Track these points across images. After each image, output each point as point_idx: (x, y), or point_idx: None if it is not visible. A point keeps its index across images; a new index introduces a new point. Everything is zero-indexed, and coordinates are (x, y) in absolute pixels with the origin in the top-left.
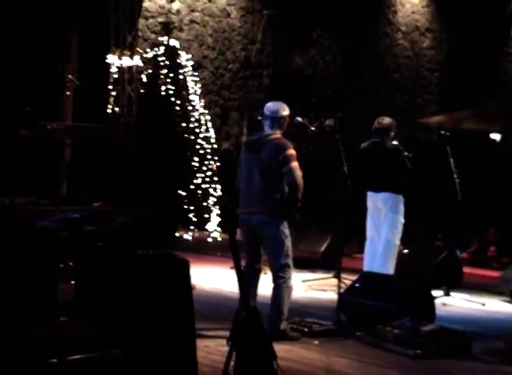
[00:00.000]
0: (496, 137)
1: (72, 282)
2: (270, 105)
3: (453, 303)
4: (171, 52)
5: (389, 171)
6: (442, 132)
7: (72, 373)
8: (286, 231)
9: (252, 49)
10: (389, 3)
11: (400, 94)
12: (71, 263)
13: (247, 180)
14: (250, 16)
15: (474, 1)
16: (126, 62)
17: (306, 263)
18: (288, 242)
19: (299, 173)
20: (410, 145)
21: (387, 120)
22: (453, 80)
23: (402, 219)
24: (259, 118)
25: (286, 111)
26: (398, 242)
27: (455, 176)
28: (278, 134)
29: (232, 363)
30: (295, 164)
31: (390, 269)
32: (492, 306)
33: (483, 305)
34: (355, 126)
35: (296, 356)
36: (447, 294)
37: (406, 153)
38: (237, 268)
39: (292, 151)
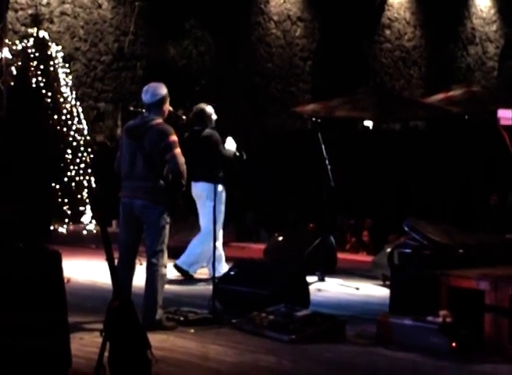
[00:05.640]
0: (368, 124)
1: None
2: (145, 90)
3: (328, 288)
4: (40, 44)
5: (205, 160)
6: (314, 119)
7: None
8: (167, 218)
9: (125, 40)
10: None
11: (273, 83)
12: None
13: (129, 165)
14: (122, 7)
15: None
16: None
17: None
18: (166, 230)
19: (181, 160)
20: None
21: (199, 106)
22: (326, 68)
23: (222, 208)
24: (131, 109)
25: (163, 90)
26: (217, 230)
27: (327, 162)
28: (159, 119)
29: (106, 354)
30: (177, 151)
31: (205, 255)
32: (366, 290)
33: (357, 289)
34: (230, 116)
35: (171, 345)
36: (322, 279)
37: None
38: (109, 258)
39: (174, 138)
